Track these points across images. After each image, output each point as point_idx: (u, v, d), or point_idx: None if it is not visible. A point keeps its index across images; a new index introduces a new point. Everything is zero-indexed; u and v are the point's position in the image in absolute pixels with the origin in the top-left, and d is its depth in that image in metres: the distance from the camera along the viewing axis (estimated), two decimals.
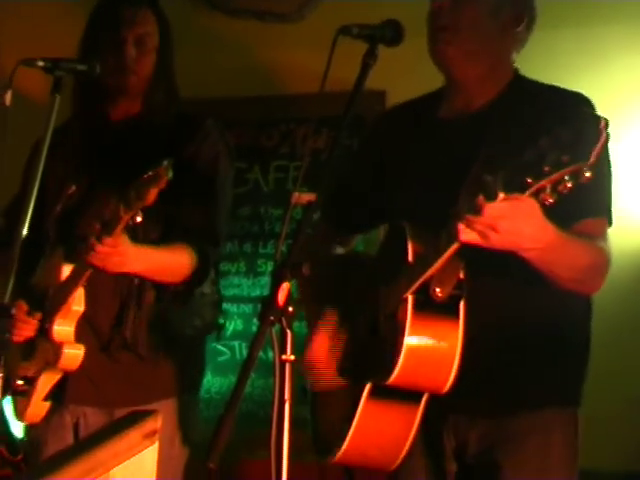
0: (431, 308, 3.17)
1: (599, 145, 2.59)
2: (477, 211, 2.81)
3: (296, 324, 2.99)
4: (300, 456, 3.02)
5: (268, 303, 2.82)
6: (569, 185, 2.63)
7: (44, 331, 3.80)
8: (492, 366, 3.35)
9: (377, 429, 3.31)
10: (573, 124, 2.65)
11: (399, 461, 3.33)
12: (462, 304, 3.17)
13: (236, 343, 5.14)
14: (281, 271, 2.87)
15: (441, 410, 3.34)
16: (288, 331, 2.82)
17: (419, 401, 3.27)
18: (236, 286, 4.41)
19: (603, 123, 2.62)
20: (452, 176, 3.08)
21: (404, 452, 3.31)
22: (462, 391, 3.21)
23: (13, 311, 3.63)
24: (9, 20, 5.65)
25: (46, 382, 3.79)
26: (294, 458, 2.84)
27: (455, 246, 2.98)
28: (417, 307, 3.17)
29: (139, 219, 3.60)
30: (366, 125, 4.90)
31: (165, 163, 3.40)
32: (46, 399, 3.82)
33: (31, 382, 3.80)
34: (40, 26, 5.44)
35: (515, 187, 2.73)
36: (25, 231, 3.52)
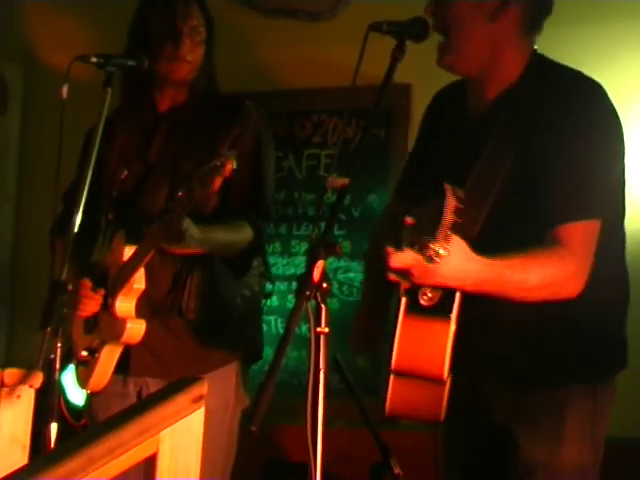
0: (421, 311, 3.16)
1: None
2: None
3: (333, 300, 3.00)
4: (334, 425, 3.05)
5: (304, 280, 2.82)
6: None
7: (107, 307, 3.79)
8: (501, 346, 3.33)
9: (408, 397, 3.26)
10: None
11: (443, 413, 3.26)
12: (456, 305, 3.13)
13: (272, 318, 5.15)
14: (316, 250, 2.87)
15: (473, 378, 3.35)
16: (322, 305, 2.81)
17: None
18: (272, 265, 4.39)
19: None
20: (462, 167, 3.19)
21: (443, 407, 3.23)
22: (488, 362, 3.29)
23: (70, 287, 3.65)
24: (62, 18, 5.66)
25: (109, 354, 3.80)
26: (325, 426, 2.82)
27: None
28: (410, 309, 3.17)
29: (180, 194, 3.62)
30: (392, 118, 4.91)
31: (230, 154, 3.41)
32: (109, 370, 3.83)
33: (94, 353, 3.81)
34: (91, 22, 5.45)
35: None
36: (79, 216, 3.50)
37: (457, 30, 3.33)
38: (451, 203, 2.88)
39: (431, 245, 2.81)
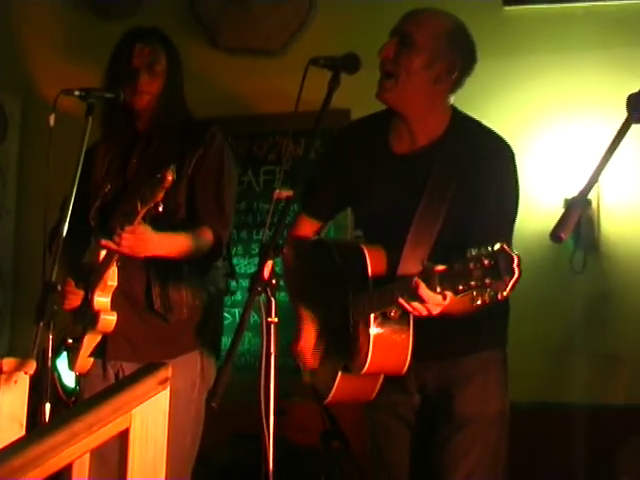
0: (389, 323, 3.22)
1: (513, 281, 2.70)
2: (418, 297, 2.97)
3: (281, 294, 3.02)
4: (287, 398, 3.06)
5: (256, 277, 2.84)
6: (486, 298, 2.76)
7: (87, 301, 3.79)
8: (438, 324, 3.35)
9: (350, 388, 3.35)
10: (494, 256, 2.72)
11: (375, 394, 3.37)
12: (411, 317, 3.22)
13: (237, 310, 5.14)
14: (266, 251, 2.89)
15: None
16: (272, 299, 2.83)
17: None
18: (235, 265, 4.38)
19: (517, 261, 2.69)
20: (403, 200, 3.25)
21: (377, 388, 3.36)
22: (418, 344, 3.26)
23: (59, 287, 3.67)
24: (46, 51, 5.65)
25: (89, 341, 3.77)
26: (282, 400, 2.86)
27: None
28: (379, 323, 3.22)
29: (160, 209, 3.62)
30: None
31: (170, 168, 3.42)
32: (90, 355, 3.81)
33: (79, 341, 3.79)
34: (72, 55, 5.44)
35: (450, 288, 2.87)
36: (66, 225, 3.56)
37: (405, 80, 3.37)
38: None
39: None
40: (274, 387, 2.82)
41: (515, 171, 3.39)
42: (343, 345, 3.36)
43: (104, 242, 3.62)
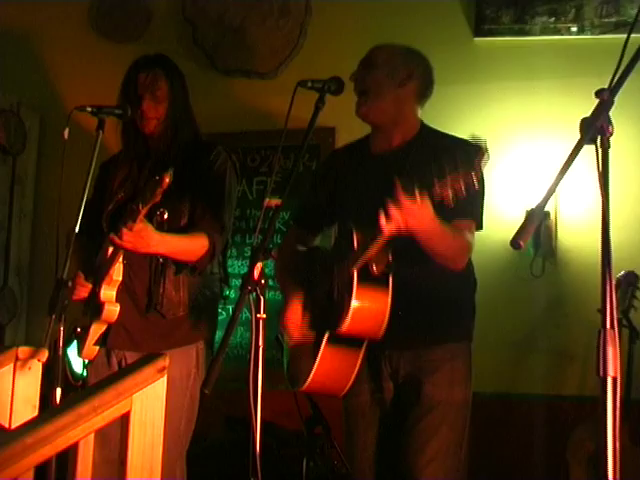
0: (369, 280, 3.25)
1: (480, 163, 2.86)
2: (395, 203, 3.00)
3: (270, 293, 3.02)
4: (275, 386, 3.07)
5: (246, 278, 2.85)
6: (462, 187, 2.87)
7: (95, 293, 3.79)
8: (411, 316, 3.39)
9: (332, 366, 3.35)
10: (460, 155, 2.86)
11: (347, 389, 3.38)
12: (390, 277, 3.25)
13: (230, 307, 5.11)
14: (256, 254, 2.90)
15: (380, 347, 3.39)
16: (261, 297, 2.84)
17: (361, 347, 3.34)
18: (229, 266, 4.38)
19: (483, 151, 2.83)
20: (381, 193, 3.16)
21: (350, 382, 3.36)
22: (393, 334, 3.28)
23: (70, 283, 3.67)
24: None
25: (95, 330, 3.78)
26: (269, 388, 2.88)
27: (381, 237, 3.10)
28: (360, 279, 3.24)
29: (165, 216, 3.65)
30: (321, 152, 4.93)
31: (168, 171, 3.44)
32: (96, 343, 3.81)
33: (86, 330, 3.80)
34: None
35: (427, 187, 2.94)
36: (78, 227, 3.55)
37: (375, 92, 3.54)
38: None
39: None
40: (262, 376, 2.84)
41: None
42: (328, 313, 3.39)
43: (111, 236, 3.64)
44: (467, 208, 3.37)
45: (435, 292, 3.47)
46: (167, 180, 3.43)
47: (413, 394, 3.46)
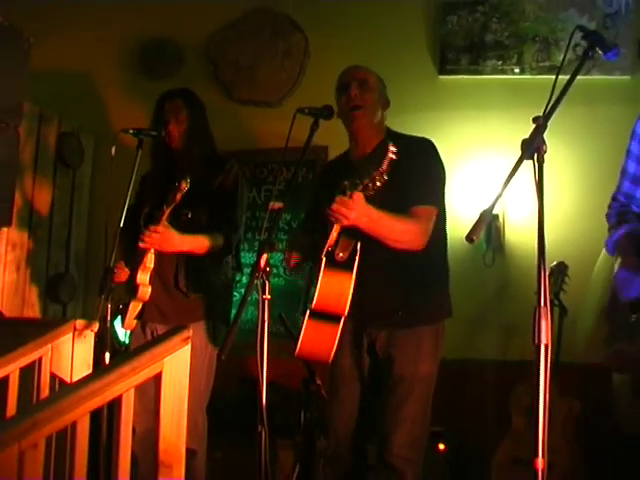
0: (335, 265, 3.20)
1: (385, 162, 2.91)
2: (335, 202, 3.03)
3: (274, 279, 3.03)
4: (278, 354, 3.07)
5: (254, 266, 2.85)
6: (377, 183, 2.94)
7: (133, 277, 3.80)
8: (383, 300, 3.37)
9: (315, 337, 3.29)
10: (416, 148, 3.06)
11: (332, 356, 3.30)
12: (355, 264, 3.19)
13: (242, 290, 5.09)
14: (262, 247, 2.89)
15: (362, 324, 3.38)
16: (266, 282, 2.84)
17: (338, 322, 3.26)
18: (242, 257, 4.34)
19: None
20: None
21: (333, 350, 3.29)
22: (373, 314, 3.33)
23: (115, 270, 3.68)
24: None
25: (133, 307, 3.83)
26: (274, 355, 2.88)
27: (335, 227, 3.13)
28: (328, 265, 3.19)
29: (189, 215, 3.68)
30: (316, 166, 4.91)
31: (186, 178, 3.50)
32: (135, 317, 3.85)
33: (127, 306, 3.82)
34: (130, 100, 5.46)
35: (354, 187, 2.99)
36: (121, 225, 3.65)
37: (369, 109, 3.52)
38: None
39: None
40: (267, 346, 2.84)
41: (438, 154, 3.49)
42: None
43: (140, 244, 3.71)
44: (425, 194, 3.36)
45: (406, 280, 3.41)
46: (184, 185, 3.48)
47: (386, 368, 3.41)
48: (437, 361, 3.47)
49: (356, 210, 3.04)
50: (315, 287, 3.18)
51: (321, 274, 3.16)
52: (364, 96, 3.51)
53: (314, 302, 3.17)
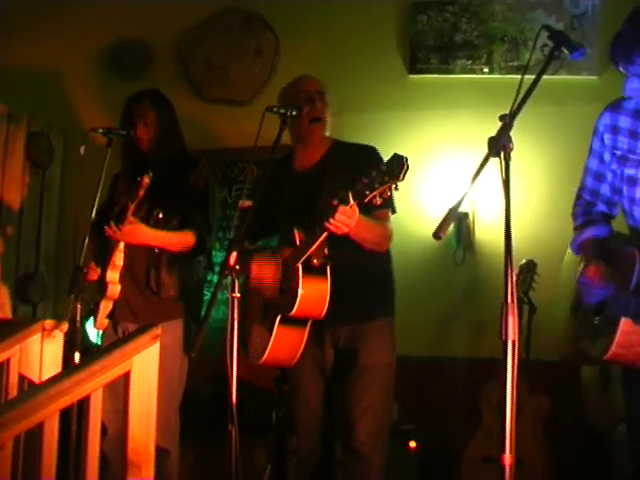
0: (312, 271, 3.24)
1: (405, 171, 2.83)
2: (335, 211, 3.00)
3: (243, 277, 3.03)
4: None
5: (224, 264, 2.84)
6: (389, 193, 2.89)
7: (103, 276, 3.78)
8: (347, 298, 3.39)
9: (284, 343, 3.35)
10: (389, 161, 2.87)
11: (296, 360, 3.39)
12: (328, 268, 3.25)
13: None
14: (231, 245, 2.89)
15: (325, 322, 3.37)
16: (236, 280, 2.83)
17: (306, 325, 3.34)
18: (213, 256, 4.32)
19: (405, 157, 2.86)
20: (305, 202, 3.38)
21: (299, 354, 3.37)
22: (335, 312, 3.30)
23: (85, 270, 3.67)
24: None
25: (104, 306, 3.80)
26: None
27: (324, 235, 3.12)
28: (304, 271, 3.23)
29: (160, 216, 3.67)
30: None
31: (148, 173, 3.50)
32: (106, 317, 3.82)
33: (97, 306, 3.80)
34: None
35: (359, 197, 2.91)
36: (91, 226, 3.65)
37: (325, 121, 3.59)
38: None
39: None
40: (237, 344, 2.84)
41: (381, 158, 3.46)
42: (278, 303, 3.37)
43: (105, 229, 3.70)
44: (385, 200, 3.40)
45: (366, 278, 3.50)
46: (146, 181, 3.47)
47: (350, 359, 3.48)
48: (395, 352, 3.57)
49: (355, 219, 3.08)
50: (291, 293, 3.24)
51: (300, 281, 3.20)
52: (323, 109, 3.58)
53: (294, 309, 3.21)
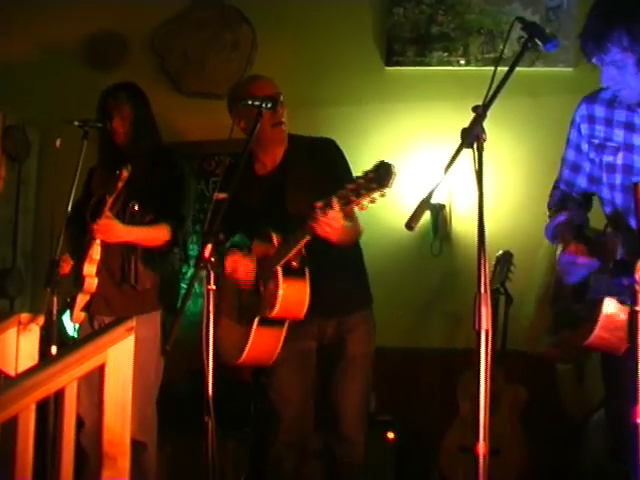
0: (291, 273, 3.28)
1: (393, 179, 2.79)
2: (323, 214, 2.99)
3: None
4: None
5: (199, 257, 2.84)
6: (375, 199, 2.83)
7: (79, 270, 3.76)
8: (331, 291, 3.43)
9: (261, 344, 3.38)
10: (376, 168, 2.82)
11: (274, 359, 3.44)
12: (306, 269, 3.30)
13: None
14: (206, 237, 2.88)
15: (311, 317, 3.39)
16: (211, 272, 2.83)
17: (284, 324, 3.38)
18: (191, 250, 4.32)
19: (392, 165, 2.79)
20: (270, 206, 3.45)
21: (277, 354, 3.42)
22: (321, 307, 3.37)
23: (62, 263, 3.66)
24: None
25: (81, 299, 3.78)
26: None
27: (307, 238, 3.15)
28: (285, 274, 3.26)
29: (136, 208, 3.66)
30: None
31: (126, 167, 3.53)
32: (82, 310, 3.81)
33: (74, 300, 3.78)
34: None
35: (345, 203, 2.91)
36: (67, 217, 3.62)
37: (285, 123, 3.59)
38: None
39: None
40: (212, 337, 2.84)
41: (342, 152, 3.56)
42: (256, 304, 3.39)
43: (89, 228, 3.69)
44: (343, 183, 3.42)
45: (345, 270, 3.58)
46: (125, 174, 3.46)
47: (338, 350, 3.56)
48: (375, 340, 3.67)
49: (341, 224, 3.09)
50: (270, 295, 3.27)
51: (281, 283, 3.23)
52: (284, 112, 3.58)
53: (274, 312, 3.26)
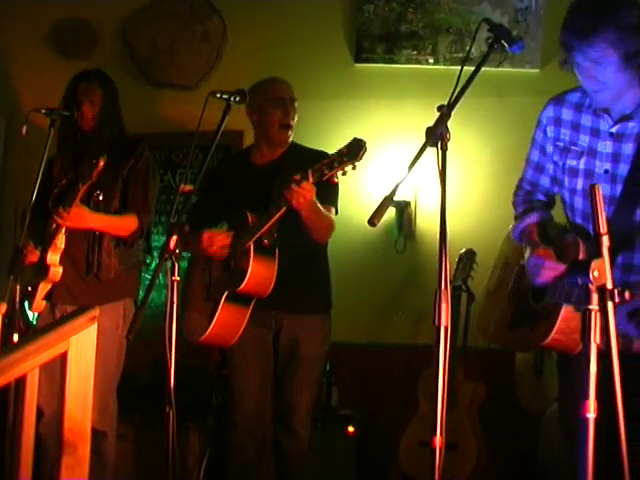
0: (262, 251, 3.42)
1: (363, 152, 3.10)
2: (296, 183, 3.21)
3: (183, 263, 3.04)
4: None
5: (164, 248, 2.84)
6: (346, 171, 3.14)
7: (43, 258, 3.75)
8: (292, 287, 3.54)
9: (226, 321, 3.51)
10: (349, 144, 3.13)
11: (236, 339, 3.56)
12: (277, 249, 3.43)
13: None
14: (172, 229, 2.89)
15: (270, 306, 3.55)
16: (175, 264, 2.84)
17: (250, 304, 3.52)
18: (156, 241, 4.33)
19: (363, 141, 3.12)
20: (258, 193, 3.54)
21: (239, 334, 3.54)
22: (279, 297, 3.46)
23: (25, 251, 3.65)
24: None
25: (43, 288, 3.76)
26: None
27: (282, 210, 3.32)
28: (256, 250, 3.41)
29: (100, 197, 3.67)
30: (232, 151, 4.90)
31: (103, 156, 3.53)
32: (43, 299, 3.79)
33: (35, 288, 3.76)
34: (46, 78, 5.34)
35: (319, 175, 3.19)
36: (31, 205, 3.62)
37: (292, 127, 3.81)
38: None
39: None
40: (175, 328, 2.85)
41: None
42: (224, 281, 3.52)
43: (54, 217, 3.66)
44: (330, 197, 3.61)
45: (310, 270, 3.70)
46: (102, 163, 3.47)
47: (292, 349, 3.70)
48: (329, 342, 3.80)
49: (313, 195, 3.28)
50: (240, 270, 3.41)
51: (252, 258, 3.39)
52: (294, 117, 3.78)
53: (243, 285, 3.39)
